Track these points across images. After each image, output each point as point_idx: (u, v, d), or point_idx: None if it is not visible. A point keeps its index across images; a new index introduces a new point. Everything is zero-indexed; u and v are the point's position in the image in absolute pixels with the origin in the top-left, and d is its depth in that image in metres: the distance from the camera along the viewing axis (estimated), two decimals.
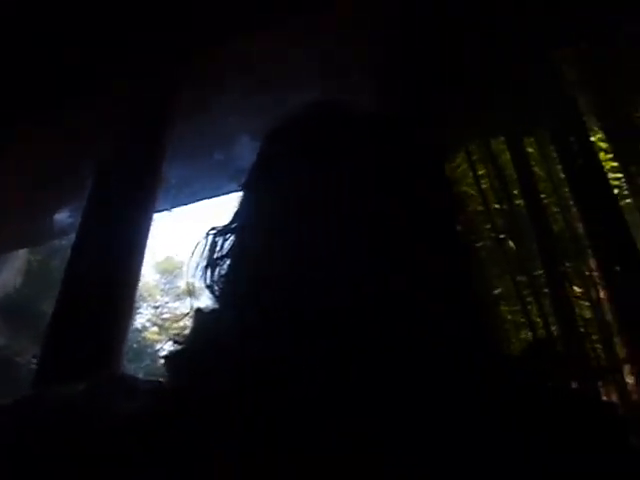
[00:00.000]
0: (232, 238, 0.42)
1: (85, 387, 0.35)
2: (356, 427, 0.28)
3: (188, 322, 0.41)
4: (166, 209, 1.47)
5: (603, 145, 1.01)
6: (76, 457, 0.29)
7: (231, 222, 0.43)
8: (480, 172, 0.99)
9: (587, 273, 0.95)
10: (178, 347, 0.39)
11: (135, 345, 8.79)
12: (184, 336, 0.40)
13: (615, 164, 0.97)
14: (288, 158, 0.41)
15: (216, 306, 0.40)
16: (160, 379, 0.38)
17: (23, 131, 1.38)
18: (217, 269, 0.41)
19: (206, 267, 0.41)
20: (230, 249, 0.42)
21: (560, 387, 0.31)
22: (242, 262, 0.40)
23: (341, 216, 0.35)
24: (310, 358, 0.31)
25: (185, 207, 1.62)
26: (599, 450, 0.28)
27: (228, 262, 0.41)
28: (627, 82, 0.93)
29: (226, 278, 0.40)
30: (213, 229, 0.44)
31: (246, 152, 0.47)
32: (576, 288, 0.93)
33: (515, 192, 1.02)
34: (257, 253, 0.38)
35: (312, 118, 0.43)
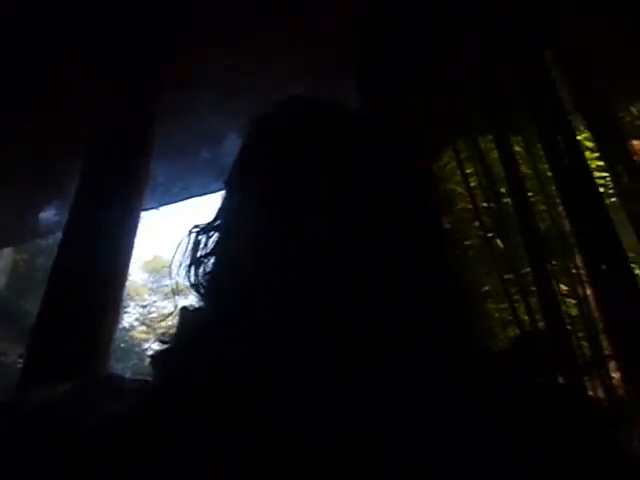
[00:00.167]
0: (215, 236, 0.42)
1: (70, 388, 0.34)
2: (354, 427, 0.28)
3: (175, 321, 0.40)
4: (154, 207, 1.46)
5: (589, 144, 1.02)
6: (60, 459, 0.28)
7: (214, 220, 0.43)
8: (468, 170, 1.00)
9: (573, 271, 0.96)
10: (164, 346, 0.38)
11: (123, 344, 8.72)
12: (170, 335, 0.39)
13: (601, 163, 0.98)
14: (266, 155, 0.41)
15: (201, 304, 0.40)
16: (147, 378, 0.38)
17: (6, 129, 1.36)
18: (201, 267, 0.41)
19: (190, 265, 0.41)
20: (214, 247, 0.42)
21: (546, 382, 0.31)
22: (225, 260, 0.40)
23: (320, 212, 0.35)
24: (305, 358, 0.31)
25: (173, 205, 1.61)
26: (583, 446, 0.28)
27: (212, 260, 0.41)
28: (612, 81, 0.94)
29: (210, 276, 0.40)
30: (196, 227, 0.43)
31: (233, 151, 0.47)
32: (562, 286, 0.94)
33: (502, 190, 1.03)
34: (240, 250, 0.38)
35: (289, 115, 0.43)
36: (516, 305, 0.87)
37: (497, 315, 0.87)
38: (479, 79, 0.89)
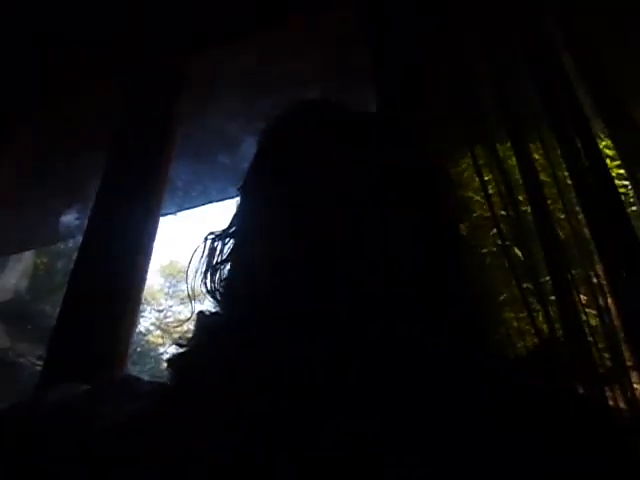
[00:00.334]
0: (231, 242, 0.43)
1: (87, 388, 0.35)
2: (354, 427, 0.28)
3: (191, 326, 0.41)
4: (173, 212, 1.48)
5: (610, 152, 1.00)
6: (74, 459, 0.29)
7: (229, 226, 0.44)
8: (486, 177, 0.99)
9: (594, 280, 0.94)
10: (181, 349, 0.39)
11: (139, 348, 8.81)
12: (187, 339, 0.40)
13: (621, 171, 0.96)
14: (279, 159, 0.41)
15: (217, 309, 0.41)
16: (163, 380, 0.38)
17: (26, 131, 1.38)
18: (217, 273, 0.41)
19: (206, 272, 0.42)
20: (229, 253, 0.42)
21: (564, 390, 0.31)
22: (240, 266, 0.40)
23: (334, 215, 0.35)
24: (310, 358, 0.31)
25: (190, 211, 1.63)
26: (603, 455, 0.27)
27: (227, 266, 0.42)
28: (631, 84, 0.93)
29: (226, 282, 0.40)
30: (211, 234, 0.44)
31: (251, 155, 0.47)
32: (582, 295, 0.92)
33: (521, 198, 1.01)
34: (254, 257, 0.38)
35: (300, 119, 0.44)
36: (535, 314, 0.86)
37: (515, 324, 0.86)
38: (497, 82, 0.88)
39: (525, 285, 0.95)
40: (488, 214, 1.02)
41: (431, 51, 0.89)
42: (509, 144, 0.98)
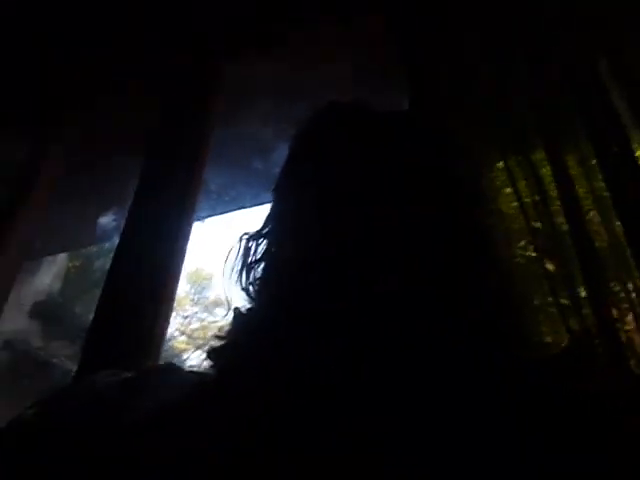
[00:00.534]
0: (264, 242, 0.44)
1: (125, 377, 0.36)
2: (357, 427, 0.28)
3: (216, 330, 0.42)
4: (206, 216, 1.51)
5: None
6: (95, 455, 0.29)
7: (263, 226, 0.45)
8: (520, 187, 0.98)
9: (632, 292, 0.91)
10: (220, 342, 0.40)
11: (163, 354, 8.93)
12: (226, 332, 0.41)
13: None
14: (311, 160, 0.42)
15: (252, 306, 0.42)
16: (203, 371, 0.39)
17: (63, 134, 1.42)
18: (252, 272, 0.43)
19: (241, 271, 0.43)
20: (263, 253, 0.43)
21: (582, 392, 0.30)
22: (274, 265, 0.41)
23: (367, 216, 0.36)
24: (326, 358, 0.31)
25: (215, 218, 1.65)
26: (611, 455, 0.27)
27: (262, 265, 0.43)
28: None
29: (261, 281, 0.42)
30: (246, 234, 0.45)
31: (283, 161, 0.49)
32: (620, 308, 0.90)
33: (556, 208, 1.00)
34: (287, 256, 0.39)
35: (330, 121, 0.44)
36: (570, 323, 0.84)
37: (547, 329, 0.84)
38: (531, 92, 0.87)
39: (560, 300, 0.93)
40: (521, 225, 1.01)
41: (468, 54, 0.90)
42: (543, 154, 0.97)
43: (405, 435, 0.27)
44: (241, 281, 0.42)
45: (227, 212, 1.52)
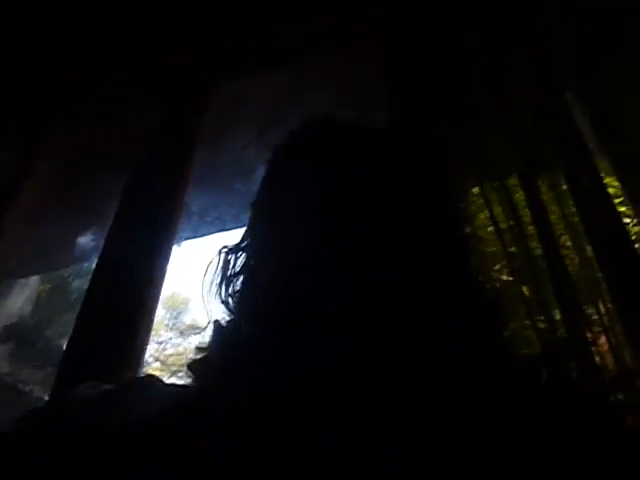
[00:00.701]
0: (243, 255, 0.44)
1: (106, 389, 0.36)
2: (356, 427, 0.28)
3: (191, 357, 0.42)
4: (186, 238, 1.50)
5: (613, 191, 1.02)
6: (88, 459, 0.29)
7: (242, 240, 0.46)
8: (495, 212, 1.01)
9: (605, 317, 0.94)
10: (200, 354, 0.40)
11: None
12: (206, 344, 0.41)
13: (624, 208, 0.98)
14: (303, 164, 0.44)
15: (231, 318, 0.42)
16: (185, 384, 0.39)
17: (44, 153, 1.41)
18: (231, 285, 0.43)
19: (220, 284, 0.43)
20: (242, 266, 0.44)
21: (579, 390, 0.31)
22: (253, 277, 0.42)
23: (361, 218, 0.37)
24: (320, 361, 0.32)
25: (195, 241, 1.63)
26: (607, 454, 0.28)
27: (241, 278, 0.43)
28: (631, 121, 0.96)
29: (240, 293, 0.42)
30: (225, 247, 0.46)
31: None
32: (593, 331, 0.92)
33: (530, 233, 1.03)
34: (268, 265, 0.40)
35: (309, 136, 0.46)
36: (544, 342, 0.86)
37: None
38: (504, 117, 0.91)
39: (536, 318, 0.95)
40: (497, 248, 1.04)
41: (446, 86, 0.93)
42: (517, 180, 1.00)
43: (405, 435, 0.27)
44: (220, 294, 0.43)
45: (208, 234, 1.51)
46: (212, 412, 0.32)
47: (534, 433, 0.27)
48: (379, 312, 0.33)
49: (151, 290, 0.94)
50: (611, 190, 1.02)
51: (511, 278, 0.98)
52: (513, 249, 1.00)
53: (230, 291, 0.43)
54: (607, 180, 1.02)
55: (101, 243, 1.07)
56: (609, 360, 0.84)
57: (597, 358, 0.83)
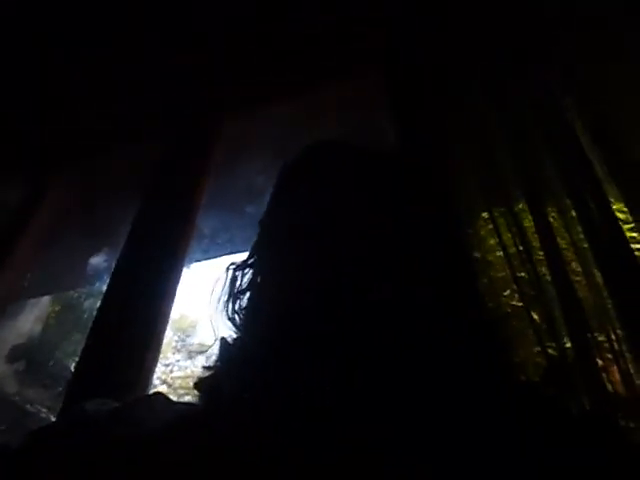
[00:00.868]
0: (250, 272, 0.45)
1: (114, 406, 0.36)
2: (356, 432, 0.28)
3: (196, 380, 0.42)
4: (197, 260, 1.51)
5: (622, 216, 1.02)
6: (94, 474, 0.30)
7: (249, 256, 0.46)
8: (504, 237, 1.01)
9: (615, 345, 0.92)
10: (207, 373, 0.41)
11: None
12: (212, 364, 0.41)
13: (635, 234, 0.97)
14: (297, 194, 0.45)
15: (238, 335, 0.42)
16: (192, 402, 0.39)
17: (56, 176, 1.44)
18: (238, 302, 0.44)
19: (227, 301, 0.44)
20: (249, 283, 0.45)
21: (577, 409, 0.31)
22: (260, 294, 0.43)
23: (361, 225, 0.38)
24: (322, 380, 0.32)
25: (204, 263, 1.65)
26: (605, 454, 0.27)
27: (248, 295, 0.44)
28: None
29: (247, 310, 0.43)
30: (232, 264, 0.47)
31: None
32: (604, 359, 0.91)
33: (539, 258, 1.02)
34: (273, 286, 0.41)
35: (315, 157, 0.48)
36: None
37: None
38: (513, 144, 0.92)
39: (546, 345, 0.93)
40: (505, 273, 1.03)
41: (452, 112, 0.95)
42: (525, 205, 1.01)
43: (405, 434, 0.27)
44: (227, 311, 0.43)
45: (219, 256, 1.52)
46: (218, 430, 0.32)
47: (533, 427, 0.28)
48: (379, 318, 0.33)
49: (161, 311, 0.95)
50: (621, 216, 1.02)
51: (520, 304, 0.97)
52: (522, 274, 0.99)
53: (237, 308, 0.44)
54: (616, 206, 1.02)
55: (113, 264, 1.09)
56: (620, 387, 0.82)
57: (608, 385, 0.81)
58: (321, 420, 0.30)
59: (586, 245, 0.94)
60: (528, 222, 0.99)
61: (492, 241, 1.01)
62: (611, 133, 0.95)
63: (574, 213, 0.94)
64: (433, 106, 0.97)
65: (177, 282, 1.01)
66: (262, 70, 1.25)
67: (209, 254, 1.49)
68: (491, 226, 1.02)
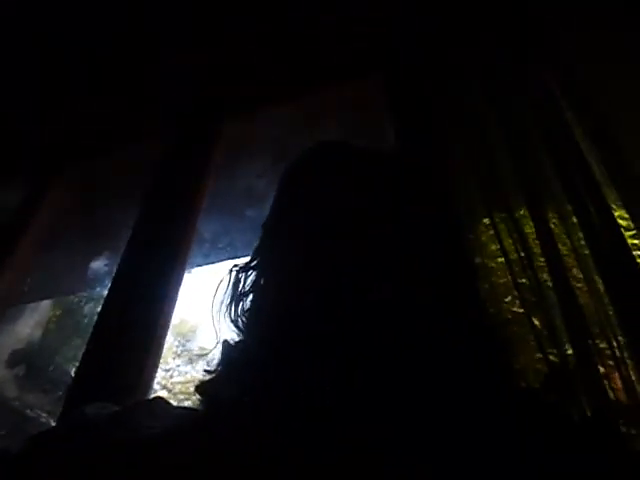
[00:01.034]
0: (253, 274, 0.45)
1: (114, 410, 0.36)
2: (356, 432, 0.28)
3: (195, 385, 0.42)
4: (198, 264, 1.51)
5: (624, 223, 1.02)
6: (94, 477, 0.29)
7: (252, 259, 0.47)
8: (505, 243, 1.00)
9: (617, 352, 0.92)
10: (209, 376, 0.41)
11: None
12: (214, 367, 0.41)
13: (636, 241, 0.97)
14: (299, 197, 0.45)
15: (240, 338, 0.42)
16: (192, 406, 0.39)
17: (56, 178, 1.44)
18: (240, 304, 0.44)
19: (230, 303, 0.44)
20: (252, 285, 0.45)
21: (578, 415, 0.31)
22: (263, 296, 0.43)
23: (347, 245, 0.38)
24: (322, 381, 0.32)
25: (204, 268, 1.64)
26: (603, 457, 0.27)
27: (250, 297, 0.44)
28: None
29: (249, 312, 0.43)
30: (236, 266, 0.47)
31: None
32: (606, 365, 0.90)
33: (540, 264, 1.02)
34: (275, 287, 0.41)
35: (317, 159, 0.48)
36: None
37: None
38: (513, 149, 0.93)
39: (547, 351, 0.93)
40: (507, 279, 1.03)
41: (450, 114, 0.95)
42: (526, 211, 1.01)
43: (405, 434, 0.27)
44: (230, 313, 0.43)
45: (219, 261, 1.52)
46: (218, 433, 0.32)
47: (533, 433, 0.27)
48: (379, 318, 0.33)
49: (162, 316, 0.95)
50: (622, 222, 1.02)
51: (522, 310, 0.97)
52: (524, 280, 0.99)
53: (240, 310, 0.44)
54: (618, 213, 1.02)
55: (113, 268, 1.09)
56: (621, 394, 0.82)
57: (610, 392, 0.81)
58: (321, 420, 0.30)
59: (587, 251, 0.94)
60: (529, 228, 0.99)
61: (493, 247, 1.01)
62: (611, 134, 0.95)
63: (575, 219, 0.94)
64: (433, 106, 0.97)
65: (178, 286, 1.01)
66: (262, 70, 1.26)
67: (210, 258, 1.49)
68: (492, 232, 1.02)
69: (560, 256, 0.98)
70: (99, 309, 1.02)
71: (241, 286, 0.45)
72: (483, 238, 1.03)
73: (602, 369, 0.86)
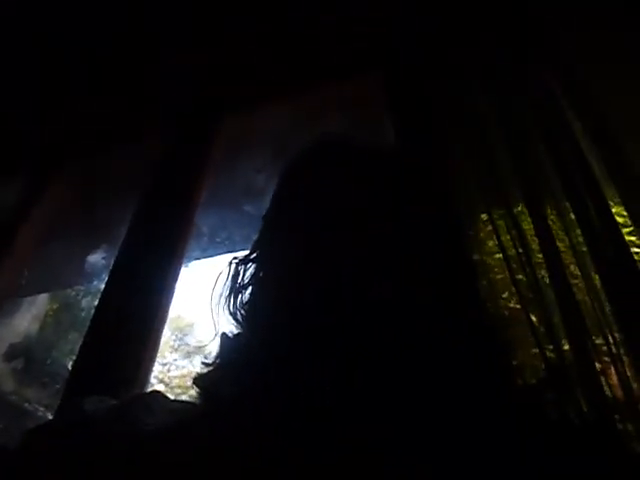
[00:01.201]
0: (252, 267, 0.45)
1: (112, 404, 0.36)
2: (368, 431, 0.28)
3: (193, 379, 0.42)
4: (195, 258, 1.51)
5: (621, 220, 1.02)
6: (92, 471, 0.29)
7: (251, 252, 0.46)
8: (503, 239, 1.00)
9: (613, 348, 0.92)
10: (207, 369, 0.40)
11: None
12: (212, 358, 0.41)
13: (633, 238, 0.97)
14: (299, 191, 0.45)
15: (239, 331, 0.42)
16: (190, 400, 0.39)
17: (56, 175, 1.44)
18: (239, 297, 0.44)
19: (229, 295, 0.44)
20: (251, 278, 0.44)
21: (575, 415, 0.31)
22: (262, 290, 0.43)
23: (346, 243, 0.38)
24: (322, 379, 0.32)
25: (201, 263, 1.64)
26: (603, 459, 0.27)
27: (250, 290, 0.44)
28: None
29: (248, 305, 0.43)
30: (235, 258, 0.46)
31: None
32: (602, 362, 0.91)
33: (537, 261, 1.02)
34: (275, 281, 0.41)
35: (318, 153, 0.48)
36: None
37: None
38: (513, 146, 0.93)
39: (544, 347, 0.93)
40: (504, 276, 1.03)
41: (450, 113, 0.95)
42: (524, 208, 1.01)
43: (405, 434, 0.27)
44: (229, 305, 0.43)
45: (217, 254, 1.52)
46: (218, 430, 0.32)
47: (534, 435, 0.27)
48: (379, 317, 0.33)
49: (159, 309, 0.95)
50: (620, 219, 1.02)
51: (519, 306, 0.97)
52: (521, 277, 0.99)
53: (239, 303, 0.44)
54: (616, 210, 1.02)
55: (111, 262, 1.09)
56: (618, 390, 0.82)
57: (606, 388, 0.81)
58: (321, 420, 0.30)
59: (585, 248, 0.94)
60: (527, 225, 0.99)
61: (491, 243, 1.01)
62: (611, 133, 0.95)
63: (573, 216, 0.94)
64: (433, 106, 0.97)
65: (175, 280, 1.01)
66: (262, 70, 1.26)
67: (208, 252, 1.49)
68: (490, 228, 1.02)
69: (558, 253, 0.98)
70: (96, 302, 1.02)
71: (240, 279, 0.45)
72: (481, 234, 1.03)
73: (599, 365, 0.87)
